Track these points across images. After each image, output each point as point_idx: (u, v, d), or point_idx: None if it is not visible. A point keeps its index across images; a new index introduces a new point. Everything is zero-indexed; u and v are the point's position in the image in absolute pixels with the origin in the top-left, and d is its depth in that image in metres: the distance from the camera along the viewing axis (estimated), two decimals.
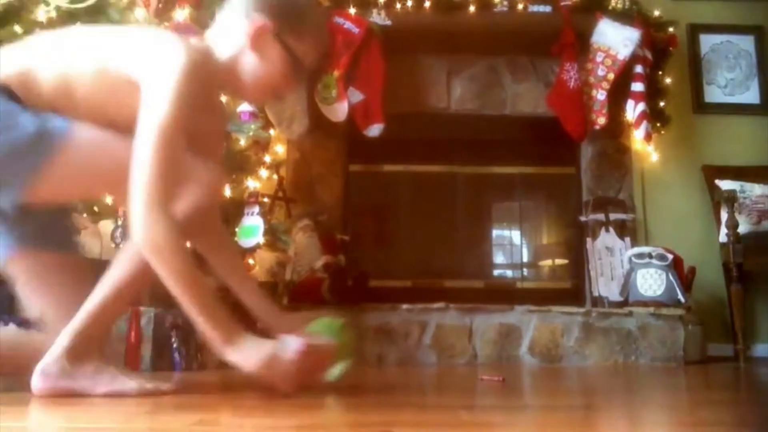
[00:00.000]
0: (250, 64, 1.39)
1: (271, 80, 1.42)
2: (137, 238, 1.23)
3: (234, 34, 1.39)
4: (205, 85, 1.36)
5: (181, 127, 1.25)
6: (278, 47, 1.38)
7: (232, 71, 1.40)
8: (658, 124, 3.38)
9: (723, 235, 3.05)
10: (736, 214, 2.92)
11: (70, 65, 1.33)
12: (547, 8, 3.33)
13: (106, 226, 2.14)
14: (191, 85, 1.27)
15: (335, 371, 1.45)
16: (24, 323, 1.94)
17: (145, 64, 1.30)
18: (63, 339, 1.32)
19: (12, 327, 1.52)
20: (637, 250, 3.10)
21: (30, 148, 1.25)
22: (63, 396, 1.29)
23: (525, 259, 3.76)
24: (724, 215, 3.04)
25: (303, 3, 1.45)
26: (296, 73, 1.42)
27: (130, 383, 1.37)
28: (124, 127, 1.28)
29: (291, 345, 1.30)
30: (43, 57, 1.34)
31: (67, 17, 2.13)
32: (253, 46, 1.38)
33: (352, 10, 3.22)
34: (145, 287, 1.44)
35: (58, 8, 2.09)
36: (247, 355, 1.27)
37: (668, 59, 3.45)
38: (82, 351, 1.33)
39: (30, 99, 1.28)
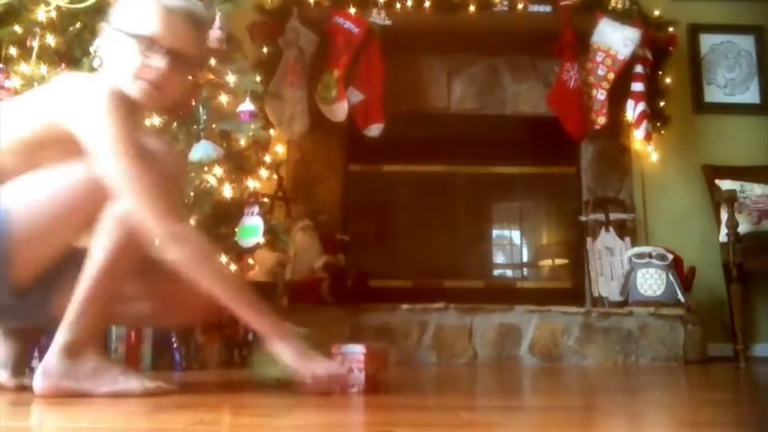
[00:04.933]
0: None
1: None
2: (173, 255, 1.31)
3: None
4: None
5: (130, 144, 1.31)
6: None
7: None
8: (658, 124, 3.37)
9: (723, 235, 3.05)
10: (736, 214, 2.92)
11: (22, 131, 1.36)
12: (547, 8, 3.33)
13: None
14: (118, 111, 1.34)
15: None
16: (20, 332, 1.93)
17: (75, 112, 1.34)
18: (59, 336, 1.32)
19: None
20: (637, 250, 3.10)
21: None
22: (65, 396, 1.29)
23: (525, 258, 3.76)
24: (724, 215, 3.04)
25: None
26: None
27: (132, 383, 1.37)
28: None
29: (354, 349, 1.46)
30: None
31: (67, 17, 2.13)
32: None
33: (352, 10, 3.22)
34: (130, 262, 1.38)
35: (58, 8, 2.09)
36: (294, 348, 1.38)
37: (668, 59, 3.45)
38: (80, 344, 1.33)
39: None
